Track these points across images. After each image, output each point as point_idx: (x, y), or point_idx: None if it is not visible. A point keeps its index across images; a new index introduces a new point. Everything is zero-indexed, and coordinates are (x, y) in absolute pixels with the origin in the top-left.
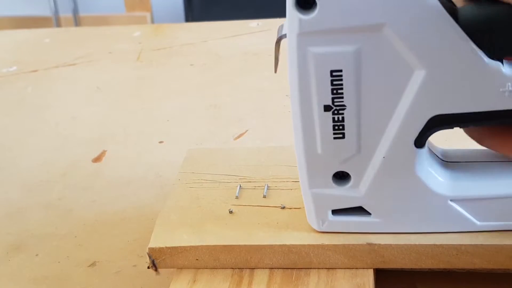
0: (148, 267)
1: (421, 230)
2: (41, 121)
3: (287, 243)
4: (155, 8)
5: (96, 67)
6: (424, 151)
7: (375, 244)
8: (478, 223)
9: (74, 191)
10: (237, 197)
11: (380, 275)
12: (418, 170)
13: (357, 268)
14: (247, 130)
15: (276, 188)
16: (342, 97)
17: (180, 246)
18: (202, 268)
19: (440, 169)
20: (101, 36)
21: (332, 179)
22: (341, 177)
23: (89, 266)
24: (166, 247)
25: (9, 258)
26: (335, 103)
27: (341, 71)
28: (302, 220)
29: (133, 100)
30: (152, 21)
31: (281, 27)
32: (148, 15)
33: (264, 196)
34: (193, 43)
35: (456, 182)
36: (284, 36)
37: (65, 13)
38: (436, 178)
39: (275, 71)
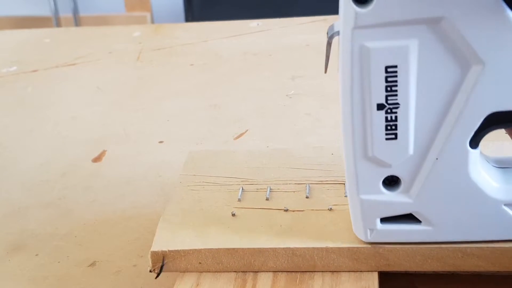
0: (150, 271)
1: (473, 238)
2: (41, 121)
3: (291, 246)
4: (155, 8)
5: (96, 67)
6: (477, 153)
7: (380, 247)
8: None
9: (74, 191)
10: (239, 200)
11: (380, 275)
12: (471, 172)
13: (361, 271)
14: (247, 130)
15: (278, 190)
16: (396, 95)
17: (182, 250)
18: (205, 272)
19: (493, 173)
20: (101, 36)
21: (382, 184)
22: (390, 182)
23: (89, 266)
24: (168, 250)
25: (9, 258)
26: (389, 101)
27: (396, 66)
28: (306, 223)
29: (133, 100)
30: (152, 21)
31: (332, 25)
32: (148, 15)
33: (267, 199)
34: (193, 43)
35: (511, 186)
36: (337, 33)
37: (65, 13)
38: (490, 182)
39: (325, 71)
